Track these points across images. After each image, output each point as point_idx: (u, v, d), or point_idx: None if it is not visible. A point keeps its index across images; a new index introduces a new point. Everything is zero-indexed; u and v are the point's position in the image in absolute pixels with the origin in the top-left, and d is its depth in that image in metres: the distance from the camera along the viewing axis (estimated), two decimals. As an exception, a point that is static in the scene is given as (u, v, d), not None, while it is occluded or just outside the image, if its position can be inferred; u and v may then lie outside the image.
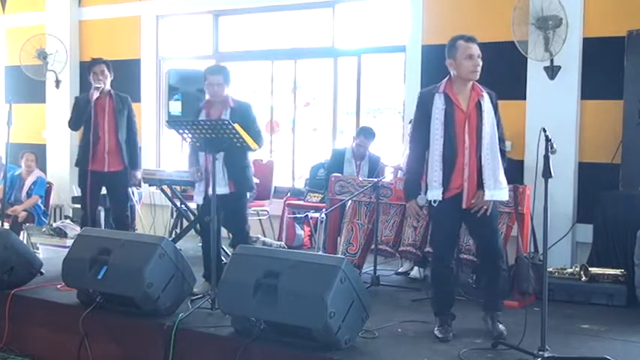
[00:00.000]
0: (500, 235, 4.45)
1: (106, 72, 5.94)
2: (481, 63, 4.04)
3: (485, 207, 4.02)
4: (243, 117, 4.81)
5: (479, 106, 4.03)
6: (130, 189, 6.49)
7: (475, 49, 4.03)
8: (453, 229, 4.18)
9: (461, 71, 4.02)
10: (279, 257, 3.96)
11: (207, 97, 5.05)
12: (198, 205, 6.65)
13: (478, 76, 4.05)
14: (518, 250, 4.95)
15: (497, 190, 4.01)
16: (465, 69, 4.01)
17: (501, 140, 4.09)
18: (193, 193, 7.29)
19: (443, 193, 4.01)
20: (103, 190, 6.19)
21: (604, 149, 5.92)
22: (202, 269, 5.07)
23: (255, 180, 5.24)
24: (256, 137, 4.76)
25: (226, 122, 4.40)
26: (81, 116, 5.90)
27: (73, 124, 6.08)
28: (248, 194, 5.18)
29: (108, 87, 5.96)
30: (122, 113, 5.99)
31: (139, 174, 6.18)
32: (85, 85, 8.92)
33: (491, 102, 4.08)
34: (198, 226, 6.81)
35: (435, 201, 4.03)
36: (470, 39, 4.06)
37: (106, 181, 5.97)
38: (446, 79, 4.10)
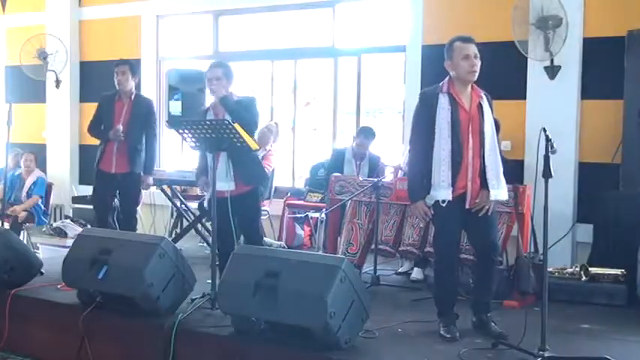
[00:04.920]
0: (501, 236, 4.47)
1: (128, 74, 5.98)
2: (479, 63, 4.03)
3: (487, 206, 4.04)
4: (247, 105, 4.75)
5: (480, 107, 4.05)
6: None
7: (471, 49, 4.02)
8: (456, 230, 4.19)
9: (459, 72, 4.03)
10: (279, 257, 3.96)
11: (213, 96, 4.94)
12: (200, 205, 6.69)
13: (476, 77, 4.05)
14: (518, 250, 4.95)
15: (500, 189, 4.06)
16: (462, 70, 4.02)
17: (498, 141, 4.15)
18: (198, 192, 7.35)
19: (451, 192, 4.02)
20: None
21: (604, 149, 5.92)
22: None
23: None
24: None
25: (227, 122, 4.39)
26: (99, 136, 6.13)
27: (92, 133, 6.25)
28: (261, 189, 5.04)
29: (128, 88, 6.01)
30: (139, 117, 6.00)
31: (150, 179, 6.17)
32: (85, 85, 8.98)
33: (488, 103, 4.12)
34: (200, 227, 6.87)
35: (444, 201, 4.03)
36: (466, 39, 4.06)
37: (115, 182, 6.00)
38: (446, 79, 4.11)
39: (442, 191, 4.01)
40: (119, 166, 5.97)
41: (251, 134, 4.72)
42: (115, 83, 5.99)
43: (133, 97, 6.03)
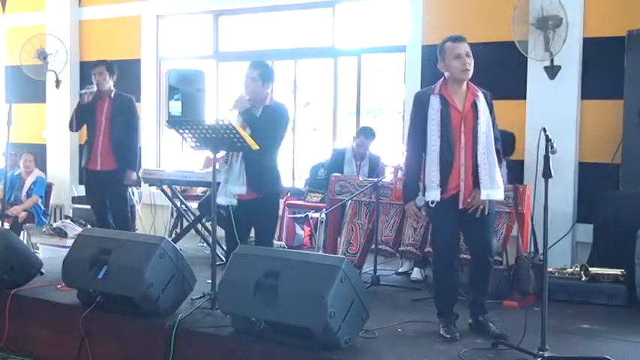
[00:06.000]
0: (501, 236, 4.46)
1: (105, 74, 6.05)
2: (471, 61, 4.02)
3: (481, 206, 4.02)
4: (272, 116, 4.67)
5: (475, 106, 4.04)
6: (130, 189, 6.51)
7: (462, 48, 4.01)
8: (453, 229, 4.17)
9: (452, 72, 4.03)
10: (279, 257, 3.95)
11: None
12: (200, 205, 6.68)
13: (469, 75, 4.04)
14: (518, 250, 4.95)
15: (493, 189, 4.01)
16: (454, 69, 4.01)
17: (497, 140, 4.10)
18: (199, 192, 7.35)
19: (441, 193, 4.00)
20: None
21: (604, 149, 5.93)
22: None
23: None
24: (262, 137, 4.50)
25: (227, 123, 4.38)
26: (75, 118, 6.10)
27: (70, 125, 6.25)
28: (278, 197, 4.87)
29: (107, 88, 6.08)
30: (121, 115, 6.09)
31: (133, 175, 6.20)
32: (85, 85, 8.88)
33: (487, 101, 4.09)
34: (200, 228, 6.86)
35: (433, 202, 4.02)
36: (457, 39, 4.06)
37: (102, 180, 6.04)
38: (441, 80, 4.11)
39: (432, 192, 4.01)
40: (105, 163, 6.07)
41: (275, 144, 4.68)
42: (94, 84, 6.04)
43: (112, 95, 6.11)
